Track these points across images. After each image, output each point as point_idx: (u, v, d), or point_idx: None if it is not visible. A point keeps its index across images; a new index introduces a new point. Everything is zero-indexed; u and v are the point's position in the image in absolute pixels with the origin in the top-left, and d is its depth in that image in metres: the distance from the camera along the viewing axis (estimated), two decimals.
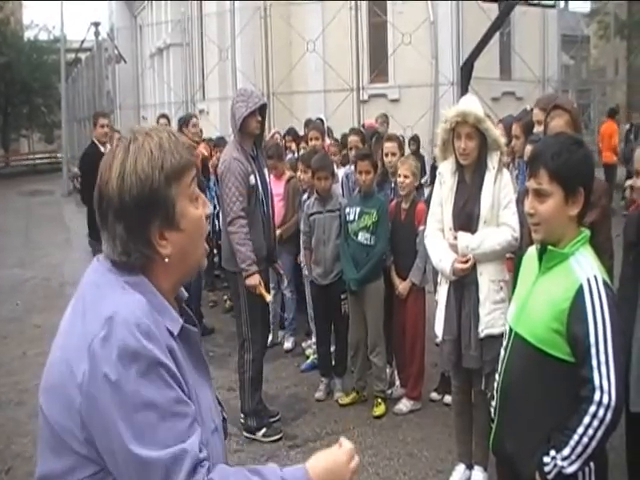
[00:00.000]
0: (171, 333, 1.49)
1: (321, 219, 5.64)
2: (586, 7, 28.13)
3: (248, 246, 4.82)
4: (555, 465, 2.24)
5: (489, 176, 3.98)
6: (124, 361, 1.36)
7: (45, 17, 72.45)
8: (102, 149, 7.58)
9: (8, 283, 10.49)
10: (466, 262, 3.96)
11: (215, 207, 8.20)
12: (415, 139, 12.34)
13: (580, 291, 2.25)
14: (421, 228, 5.13)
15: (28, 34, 38.97)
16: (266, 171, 5.19)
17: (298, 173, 6.52)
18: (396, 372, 5.70)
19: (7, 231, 15.52)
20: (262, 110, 4.97)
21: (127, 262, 1.49)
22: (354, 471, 1.59)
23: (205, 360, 1.64)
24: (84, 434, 1.40)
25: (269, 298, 5.04)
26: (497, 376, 2.58)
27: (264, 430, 4.98)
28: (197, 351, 1.60)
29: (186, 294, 1.72)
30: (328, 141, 7.84)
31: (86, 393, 1.38)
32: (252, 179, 4.90)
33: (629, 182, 3.58)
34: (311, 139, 7.17)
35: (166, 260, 1.51)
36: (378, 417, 5.26)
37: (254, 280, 4.79)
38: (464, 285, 4.03)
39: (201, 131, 8.89)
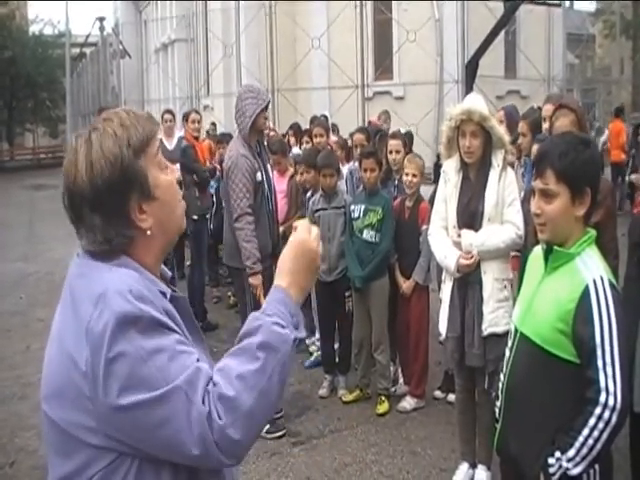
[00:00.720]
0: (164, 295, 1.52)
1: (326, 216, 5.64)
2: (591, 6, 28.11)
3: (254, 243, 4.82)
4: (560, 466, 2.24)
5: (493, 174, 3.98)
6: (123, 327, 1.38)
7: (50, 12, 72.46)
8: None
9: (12, 277, 10.51)
10: (470, 258, 3.96)
11: (212, 204, 8.22)
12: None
13: (586, 292, 2.24)
14: (424, 227, 5.13)
15: (33, 29, 39.07)
16: (269, 167, 5.21)
17: (298, 176, 6.50)
18: (400, 370, 5.70)
19: (11, 225, 15.54)
20: (266, 106, 5.01)
21: (109, 249, 1.50)
22: (317, 239, 1.65)
23: (197, 326, 1.66)
24: (98, 422, 1.41)
25: (263, 301, 5.01)
26: (502, 376, 2.58)
27: (267, 427, 4.97)
28: (189, 317, 1.61)
29: (170, 273, 1.73)
30: (334, 138, 7.83)
31: (92, 378, 1.39)
32: (259, 176, 4.92)
33: (633, 177, 3.59)
34: (315, 136, 7.16)
35: (148, 233, 1.53)
36: (381, 415, 5.26)
37: (257, 280, 4.79)
38: (468, 283, 4.02)
39: (215, 126, 8.87)
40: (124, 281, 1.44)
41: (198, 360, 1.45)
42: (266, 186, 5.01)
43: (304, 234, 1.63)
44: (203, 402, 1.39)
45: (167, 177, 1.58)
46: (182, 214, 1.65)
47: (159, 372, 1.39)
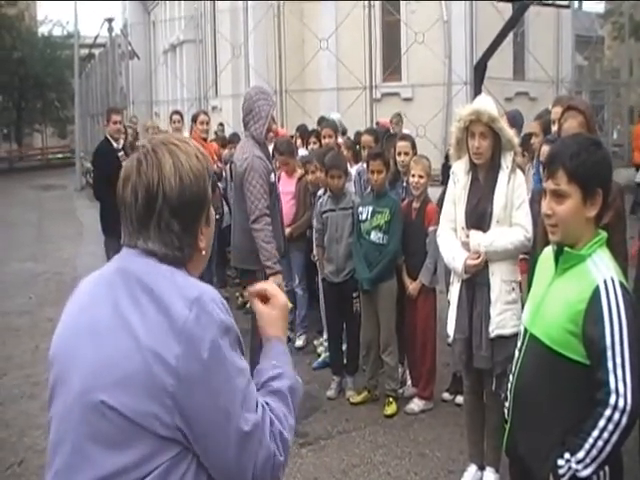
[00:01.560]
0: None
1: (334, 217, 5.64)
2: (600, 8, 27.93)
3: (273, 244, 4.81)
4: (569, 468, 2.23)
5: (502, 176, 3.97)
6: (222, 334, 1.49)
7: (59, 13, 72.77)
8: (115, 145, 7.60)
9: (21, 277, 10.55)
10: (477, 258, 3.95)
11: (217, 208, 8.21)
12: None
13: (596, 293, 2.23)
14: (431, 229, 5.13)
15: (42, 29, 39.26)
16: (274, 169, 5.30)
17: (309, 175, 6.50)
18: (408, 372, 5.70)
19: (20, 225, 15.61)
20: None
21: (179, 256, 1.59)
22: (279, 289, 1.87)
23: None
24: (173, 417, 1.45)
25: (290, 305, 5.04)
26: (511, 377, 2.57)
27: None
28: None
29: None
30: (340, 139, 7.83)
31: (185, 375, 1.44)
32: (272, 177, 4.96)
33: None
34: (324, 137, 7.16)
35: (203, 253, 1.65)
36: (389, 416, 5.26)
37: (279, 279, 4.76)
38: (476, 285, 4.02)
39: (223, 127, 8.86)
40: (213, 291, 1.56)
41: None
42: (277, 187, 5.11)
43: (283, 297, 1.85)
44: (270, 439, 1.56)
45: (213, 210, 1.71)
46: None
47: (245, 392, 1.53)
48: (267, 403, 1.61)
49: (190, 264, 1.62)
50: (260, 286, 1.85)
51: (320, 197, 6.00)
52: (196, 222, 1.60)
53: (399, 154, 5.87)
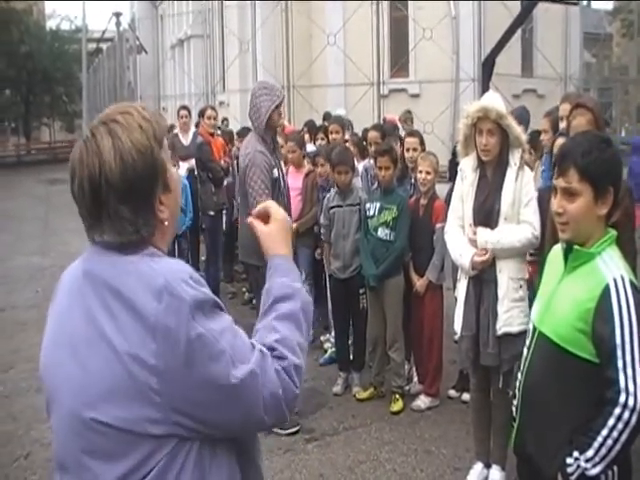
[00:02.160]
0: None
1: (341, 213, 5.64)
2: (609, 5, 27.89)
3: None
4: (578, 467, 2.22)
5: (510, 173, 3.97)
6: (195, 311, 1.44)
7: (67, 7, 72.90)
8: None
9: (27, 271, 10.60)
10: (484, 255, 3.94)
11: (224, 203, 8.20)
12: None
13: (606, 291, 2.22)
14: (438, 225, 5.12)
15: (50, 24, 39.39)
16: (282, 164, 5.24)
17: (318, 168, 6.49)
18: (414, 368, 5.69)
19: (27, 219, 15.66)
20: (280, 103, 5.01)
21: (136, 239, 1.51)
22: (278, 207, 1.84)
23: None
24: (166, 413, 1.43)
25: None
26: (519, 375, 2.56)
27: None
28: None
29: None
30: (347, 136, 7.82)
31: (165, 369, 1.42)
32: (275, 172, 4.94)
33: None
34: (331, 132, 7.15)
35: (166, 223, 1.57)
36: (396, 413, 5.26)
37: None
38: (483, 282, 4.01)
39: (227, 122, 8.83)
40: (179, 269, 1.49)
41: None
42: (282, 182, 5.03)
43: (282, 211, 1.83)
44: (277, 383, 1.53)
45: (174, 170, 1.62)
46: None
47: (231, 348, 1.47)
48: (278, 335, 1.59)
49: (155, 239, 1.56)
50: (260, 207, 1.83)
51: (328, 190, 5.99)
52: (149, 198, 1.51)
53: (407, 150, 5.86)
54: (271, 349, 1.57)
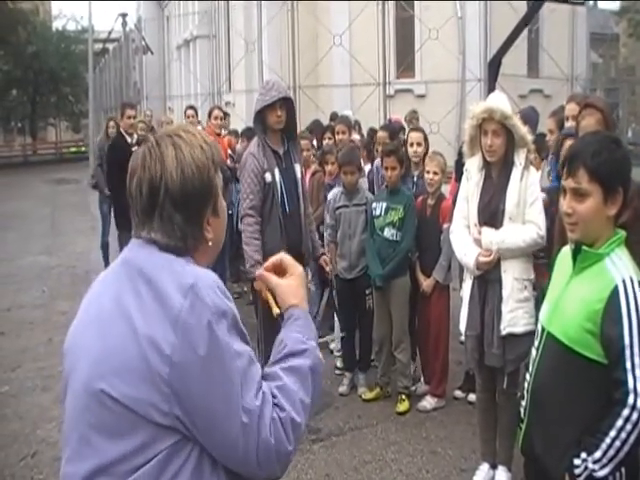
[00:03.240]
0: None
1: (347, 213, 5.63)
2: (616, 5, 27.82)
3: (253, 246, 4.71)
4: (586, 468, 2.21)
5: (515, 173, 3.97)
6: (217, 320, 1.48)
7: (73, 8, 73.16)
8: (129, 139, 7.63)
9: (34, 270, 10.63)
10: (489, 255, 3.94)
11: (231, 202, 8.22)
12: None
13: (615, 292, 2.22)
14: (446, 226, 5.11)
15: (56, 24, 39.44)
16: (298, 167, 5.03)
17: (329, 166, 6.45)
18: (420, 369, 5.68)
19: (34, 219, 15.69)
20: (288, 104, 4.88)
21: (181, 246, 1.60)
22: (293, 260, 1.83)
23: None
24: (170, 405, 1.46)
25: (276, 311, 4.69)
26: (528, 375, 2.56)
27: None
28: None
29: None
30: (356, 136, 7.81)
31: (179, 363, 1.45)
32: (268, 176, 4.80)
33: None
34: (338, 132, 7.15)
35: (210, 244, 1.65)
36: (401, 413, 5.26)
37: (258, 284, 4.65)
38: (488, 282, 4.01)
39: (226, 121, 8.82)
40: (210, 276, 1.55)
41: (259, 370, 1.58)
42: (280, 187, 4.83)
43: (299, 267, 1.83)
44: (269, 430, 1.51)
45: (224, 201, 1.71)
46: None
47: (243, 374, 1.50)
48: (282, 383, 1.58)
49: (197, 254, 1.63)
50: (274, 259, 1.84)
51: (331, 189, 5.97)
52: (200, 213, 1.61)
53: (411, 145, 5.86)
54: (272, 396, 1.56)
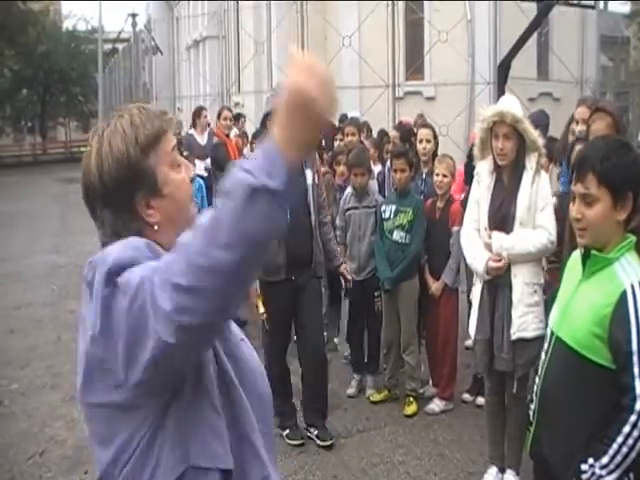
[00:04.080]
0: None
1: (357, 215, 5.63)
2: (626, 8, 27.64)
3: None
4: (593, 473, 2.21)
5: (526, 177, 3.95)
6: (113, 271, 1.37)
7: (83, 8, 73.44)
8: None
9: (43, 269, 10.68)
10: (500, 261, 3.93)
11: None
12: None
13: (623, 297, 2.21)
14: (455, 229, 5.11)
15: (66, 24, 39.57)
16: (309, 173, 4.79)
17: (340, 167, 6.44)
18: (428, 371, 5.67)
19: (43, 217, 15.75)
20: None
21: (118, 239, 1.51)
22: (321, 79, 1.32)
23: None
24: (116, 375, 1.39)
25: (261, 311, 4.68)
26: (537, 379, 2.56)
27: (287, 431, 4.89)
28: None
29: None
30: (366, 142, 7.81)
31: (96, 334, 1.38)
32: None
33: None
34: (347, 135, 7.15)
35: (155, 228, 1.55)
36: (410, 416, 5.25)
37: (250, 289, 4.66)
38: (498, 286, 4.00)
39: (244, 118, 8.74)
40: (123, 246, 1.44)
41: None
42: None
43: (300, 77, 1.31)
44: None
45: (178, 175, 1.59)
46: (195, 212, 1.62)
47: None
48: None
49: (148, 237, 1.52)
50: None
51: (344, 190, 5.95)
52: (129, 203, 1.51)
53: (420, 141, 5.86)
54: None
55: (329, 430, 4.91)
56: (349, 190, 5.77)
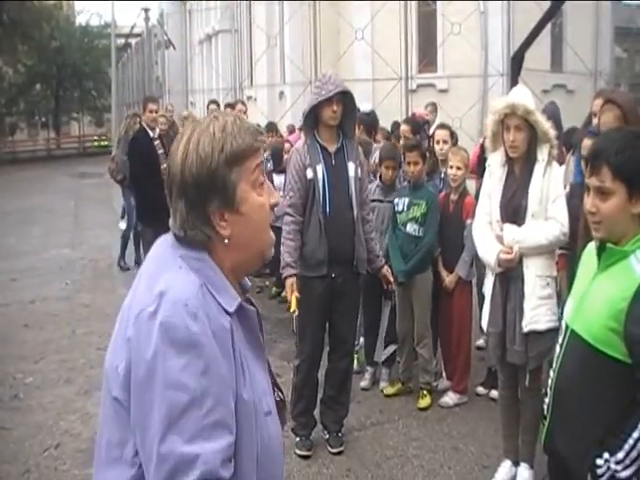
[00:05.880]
0: (227, 312, 1.50)
1: (381, 208, 5.59)
2: None
3: (286, 247, 4.47)
4: (608, 468, 2.19)
5: (538, 169, 3.93)
6: (164, 337, 1.40)
7: (96, 3, 73.67)
8: (151, 134, 7.67)
9: (58, 263, 10.75)
10: (511, 254, 3.92)
11: None
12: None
13: (639, 291, 2.20)
14: (469, 221, 5.09)
15: (80, 19, 39.80)
16: (351, 166, 4.58)
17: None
18: (442, 365, 5.67)
19: (57, 212, 15.86)
20: (346, 99, 4.54)
21: (186, 237, 1.54)
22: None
23: (261, 342, 1.65)
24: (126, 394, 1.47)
25: (293, 309, 4.40)
26: (551, 372, 2.54)
27: (297, 439, 4.71)
28: (254, 332, 1.61)
29: (249, 284, 1.73)
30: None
31: (129, 358, 1.45)
32: (309, 172, 4.49)
33: None
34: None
35: (225, 241, 1.54)
36: (423, 409, 5.25)
37: (286, 284, 4.50)
38: (510, 279, 3.98)
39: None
40: (184, 290, 1.46)
41: (220, 422, 1.42)
42: (322, 185, 4.48)
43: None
44: None
45: (259, 197, 1.58)
46: (269, 242, 1.64)
47: (175, 409, 1.39)
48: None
49: (216, 252, 1.55)
50: None
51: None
52: (202, 205, 1.51)
53: (437, 142, 5.84)
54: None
55: (342, 437, 4.77)
56: (376, 182, 5.73)
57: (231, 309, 1.51)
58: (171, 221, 1.57)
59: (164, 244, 1.58)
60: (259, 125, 10.04)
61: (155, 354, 1.39)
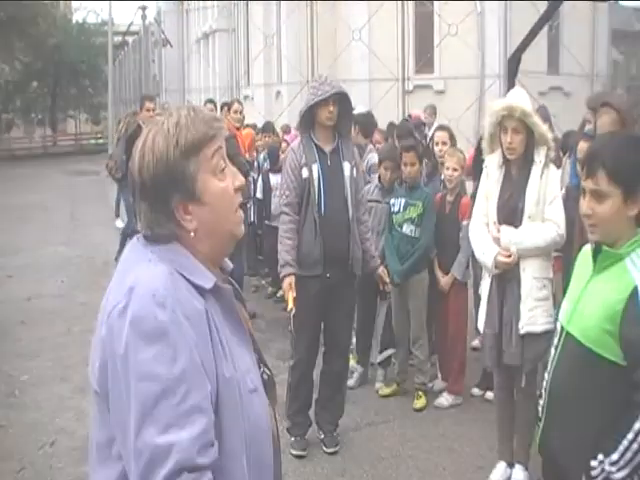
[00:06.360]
0: (203, 291, 1.52)
1: (378, 209, 5.60)
2: (638, 2, 27.42)
3: (284, 245, 4.49)
4: (603, 470, 2.20)
5: (535, 171, 3.95)
6: (134, 331, 1.41)
7: (93, 1, 73.50)
8: None
9: (54, 260, 10.73)
10: (509, 256, 3.93)
11: (254, 193, 8.26)
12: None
13: (634, 293, 2.20)
14: (465, 222, 5.10)
15: (77, 17, 39.62)
16: (347, 166, 4.59)
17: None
18: (438, 365, 5.68)
19: (53, 209, 15.80)
20: (342, 100, 4.53)
21: (153, 235, 1.55)
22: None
23: (241, 320, 1.65)
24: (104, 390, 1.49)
25: (290, 307, 4.38)
26: (546, 374, 2.56)
27: (293, 439, 4.72)
28: (233, 310, 1.62)
29: (231, 265, 1.76)
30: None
31: (103, 357, 1.47)
32: (304, 172, 4.50)
33: None
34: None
35: (192, 234, 1.55)
36: (418, 410, 5.26)
37: (284, 283, 4.48)
38: (506, 280, 3.99)
39: (243, 117, 8.82)
40: (152, 282, 1.47)
41: (197, 406, 1.42)
42: (317, 185, 4.50)
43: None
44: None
45: (221, 183, 1.58)
46: (237, 222, 1.64)
47: (149, 400, 1.40)
48: None
49: (186, 243, 1.56)
50: None
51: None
52: (164, 202, 1.52)
53: (437, 144, 5.85)
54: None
55: (337, 437, 4.77)
56: (375, 183, 5.74)
57: (208, 286, 1.53)
58: (138, 222, 1.59)
59: (135, 245, 1.60)
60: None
61: (126, 349, 1.41)
